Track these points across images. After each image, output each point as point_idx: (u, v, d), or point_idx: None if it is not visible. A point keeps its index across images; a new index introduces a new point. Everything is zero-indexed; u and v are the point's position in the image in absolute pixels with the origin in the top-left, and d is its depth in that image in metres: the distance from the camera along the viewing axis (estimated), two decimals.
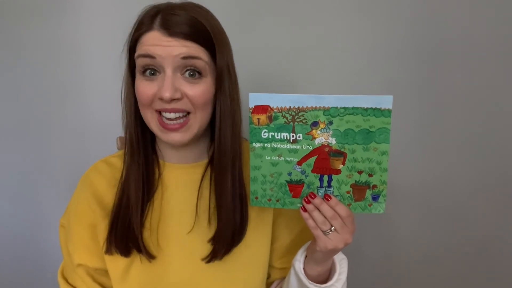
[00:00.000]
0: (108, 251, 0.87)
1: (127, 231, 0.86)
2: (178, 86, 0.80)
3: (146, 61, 0.80)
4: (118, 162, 0.92)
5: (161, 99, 0.80)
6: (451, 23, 1.26)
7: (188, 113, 0.83)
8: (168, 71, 0.79)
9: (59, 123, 1.33)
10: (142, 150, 0.88)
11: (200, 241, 0.89)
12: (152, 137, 0.92)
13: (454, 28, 1.26)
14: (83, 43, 1.29)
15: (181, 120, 0.83)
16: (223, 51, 0.85)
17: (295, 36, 1.27)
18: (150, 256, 0.87)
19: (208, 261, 0.89)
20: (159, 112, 0.82)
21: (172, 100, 0.79)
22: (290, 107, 0.75)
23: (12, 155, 1.35)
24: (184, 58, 0.79)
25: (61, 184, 1.35)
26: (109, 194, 0.90)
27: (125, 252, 0.87)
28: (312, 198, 0.78)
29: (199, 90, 0.82)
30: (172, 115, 0.82)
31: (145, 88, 0.81)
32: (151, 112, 0.83)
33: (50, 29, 1.27)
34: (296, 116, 0.75)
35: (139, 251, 0.86)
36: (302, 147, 0.77)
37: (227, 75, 0.86)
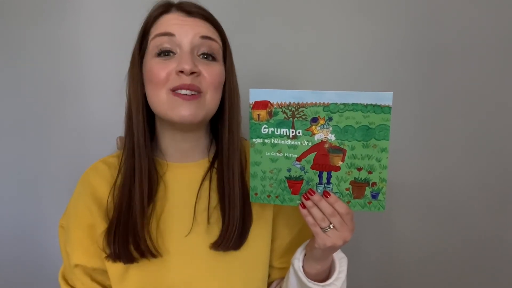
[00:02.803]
0: (112, 259, 0.86)
1: (129, 238, 0.84)
2: (196, 63, 0.81)
3: (164, 40, 0.81)
4: (116, 162, 0.92)
5: (181, 72, 0.80)
6: (451, 23, 1.26)
7: (200, 93, 0.83)
8: (186, 47, 0.81)
9: (59, 123, 1.33)
10: (145, 155, 0.87)
11: (199, 241, 0.89)
12: (151, 138, 0.92)
13: (454, 28, 1.26)
14: (83, 43, 1.29)
15: (195, 93, 0.82)
16: (227, 41, 0.89)
17: (295, 35, 1.27)
18: (154, 256, 0.86)
19: (216, 249, 0.88)
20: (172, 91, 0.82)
21: (191, 73, 0.80)
22: (290, 103, 0.75)
23: (12, 155, 1.35)
24: (203, 37, 0.82)
25: (61, 184, 1.35)
26: (108, 195, 0.89)
27: (130, 260, 0.85)
28: (311, 195, 0.77)
29: (215, 70, 0.84)
30: (188, 92, 0.81)
31: (161, 66, 0.81)
32: (166, 92, 0.82)
33: (50, 29, 1.27)
34: (296, 112, 0.75)
35: (143, 256, 0.85)
36: (301, 143, 0.76)
37: (232, 71, 0.90)
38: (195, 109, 0.82)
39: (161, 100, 0.82)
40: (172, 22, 0.81)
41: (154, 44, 0.82)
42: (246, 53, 1.25)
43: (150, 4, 0.86)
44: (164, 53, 0.81)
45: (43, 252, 1.39)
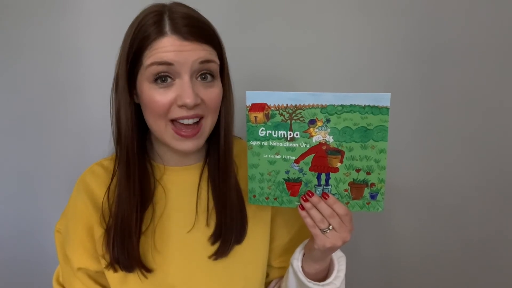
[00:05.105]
0: (113, 269, 0.86)
1: (126, 247, 0.84)
2: (196, 91, 0.79)
3: (161, 68, 0.77)
4: (111, 166, 0.91)
5: (183, 105, 0.78)
6: (451, 23, 1.25)
7: (201, 118, 0.82)
8: (185, 76, 0.78)
9: (58, 123, 1.33)
10: (138, 162, 0.85)
11: (199, 242, 0.89)
12: (144, 142, 0.92)
13: (454, 28, 1.25)
14: (83, 43, 1.29)
15: (195, 126, 0.82)
16: (224, 52, 0.86)
17: (294, 36, 1.26)
18: (147, 271, 0.86)
19: (216, 258, 0.89)
20: (172, 121, 0.81)
21: (194, 105, 0.78)
22: (287, 105, 0.74)
23: (11, 155, 1.35)
24: (202, 62, 0.79)
25: (60, 184, 1.35)
26: (105, 197, 0.89)
27: (129, 270, 0.86)
28: (310, 196, 0.77)
29: (214, 93, 0.82)
30: (190, 121, 0.81)
31: (162, 97, 0.79)
32: (165, 123, 0.81)
33: (50, 29, 1.27)
34: (294, 114, 0.75)
35: (139, 267, 0.86)
36: (299, 145, 0.76)
37: (228, 80, 0.88)
38: (197, 142, 0.83)
39: (162, 130, 0.82)
40: (168, 48, 0.77)
41: (150, 72, 0.78)
42: (243, 54, 1.24)
43: (149, 4, 0.85)
44: (161, 79, 0.78)
45: (42, 252, 1.39)
